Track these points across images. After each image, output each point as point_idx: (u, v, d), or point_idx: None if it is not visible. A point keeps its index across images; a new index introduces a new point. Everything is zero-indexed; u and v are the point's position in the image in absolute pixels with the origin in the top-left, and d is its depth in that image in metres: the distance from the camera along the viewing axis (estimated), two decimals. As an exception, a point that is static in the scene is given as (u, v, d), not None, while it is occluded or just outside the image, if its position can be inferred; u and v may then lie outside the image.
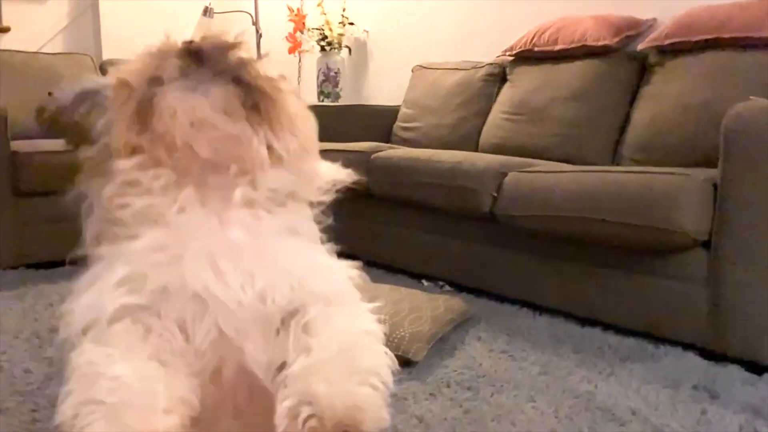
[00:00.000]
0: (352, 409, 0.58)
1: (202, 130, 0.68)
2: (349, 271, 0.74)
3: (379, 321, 0.71)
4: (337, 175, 0.81)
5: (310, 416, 0.58)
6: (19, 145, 2.37)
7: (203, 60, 0.68)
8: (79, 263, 0.70)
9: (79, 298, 0.66)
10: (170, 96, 0.67)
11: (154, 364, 0.62)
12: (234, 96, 0.68)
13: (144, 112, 0.67)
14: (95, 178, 0.71)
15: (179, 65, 0.68)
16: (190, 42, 0.69)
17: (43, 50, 3.30)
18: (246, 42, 0.71)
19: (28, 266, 2.29)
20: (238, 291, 0.65)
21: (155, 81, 0.68)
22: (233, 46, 0.69)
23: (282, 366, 0.66)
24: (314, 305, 0.68)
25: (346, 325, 0.68)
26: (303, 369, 0.62)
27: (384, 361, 0.66)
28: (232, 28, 0.74)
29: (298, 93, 0.78)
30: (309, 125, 0.77)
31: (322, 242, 0.78)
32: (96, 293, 0.65)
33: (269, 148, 0.70)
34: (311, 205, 0.78)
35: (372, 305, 0.73)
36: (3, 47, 3.10)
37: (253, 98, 0.69)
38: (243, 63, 0.69)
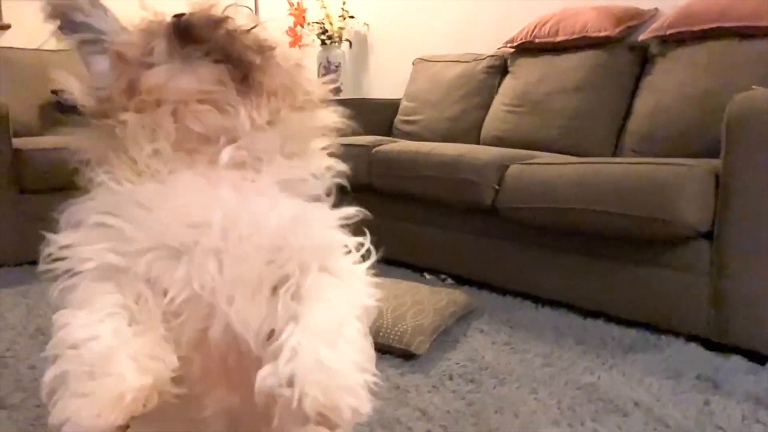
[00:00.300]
0: (327, 409, 0.57)
1: (190, 108, 0.68)
2: (337, 221, 0.73)
3: (372, 284, 0.71)
4: (333, 123, 0.79)
5: (288, 401, 0.57)
6: (21, 143, 2.38)
7: (192, 38, 0.68)
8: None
9: (63, 239, 0.66)
10: (158, 78, 0.67)
11: (125, 324, 0.62)
12: (222, 72, 0.69)
13: (134, 92, 0.68)
14: (104, 124, 0.71)
15: (166, 48, 0.68)
16: (179, 17, 0.68)
17: (43, 47, 3.30)
18: (234, 15, 0.70)
19: (32, 263, 2.29)
20: (214, 240, 0.65)
21: (144, 65, 0.68)
22: (222, 20, 0.69)
23: (272, 334, 0.65)
24: (300, 269, 0.67)
25: (337, 305, 0.66)
26: (290, 346, 0.61)
27: (369, 353, 0.66)
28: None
29: (296, 56, 0.78)
30: (303, 80, 0.76)
31: (329, 195, 0.76)
32: (78, 240, 0.65)
33: (258, 115, 0.70)
34: (309, 158, 0.77)
35: (360, 252, 0.73)
36: (3, 44, 3.10)
37: (243, 71, 0.69)
38: (231, 38, 0.69)
